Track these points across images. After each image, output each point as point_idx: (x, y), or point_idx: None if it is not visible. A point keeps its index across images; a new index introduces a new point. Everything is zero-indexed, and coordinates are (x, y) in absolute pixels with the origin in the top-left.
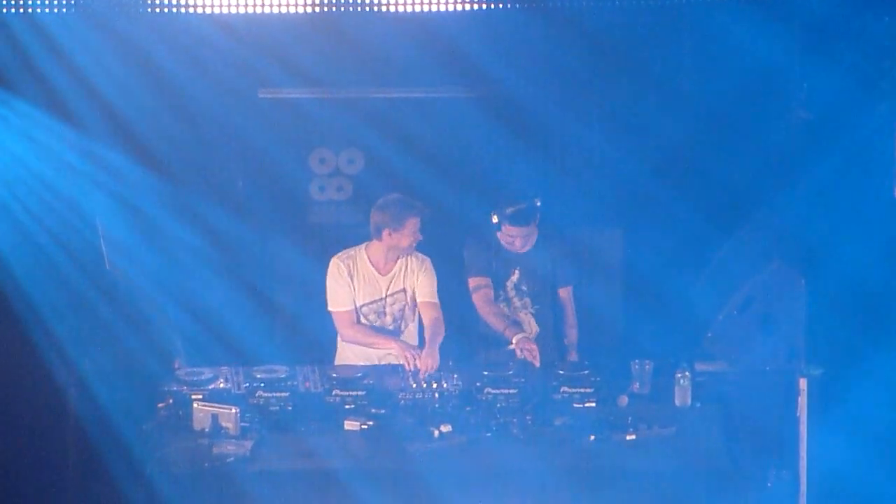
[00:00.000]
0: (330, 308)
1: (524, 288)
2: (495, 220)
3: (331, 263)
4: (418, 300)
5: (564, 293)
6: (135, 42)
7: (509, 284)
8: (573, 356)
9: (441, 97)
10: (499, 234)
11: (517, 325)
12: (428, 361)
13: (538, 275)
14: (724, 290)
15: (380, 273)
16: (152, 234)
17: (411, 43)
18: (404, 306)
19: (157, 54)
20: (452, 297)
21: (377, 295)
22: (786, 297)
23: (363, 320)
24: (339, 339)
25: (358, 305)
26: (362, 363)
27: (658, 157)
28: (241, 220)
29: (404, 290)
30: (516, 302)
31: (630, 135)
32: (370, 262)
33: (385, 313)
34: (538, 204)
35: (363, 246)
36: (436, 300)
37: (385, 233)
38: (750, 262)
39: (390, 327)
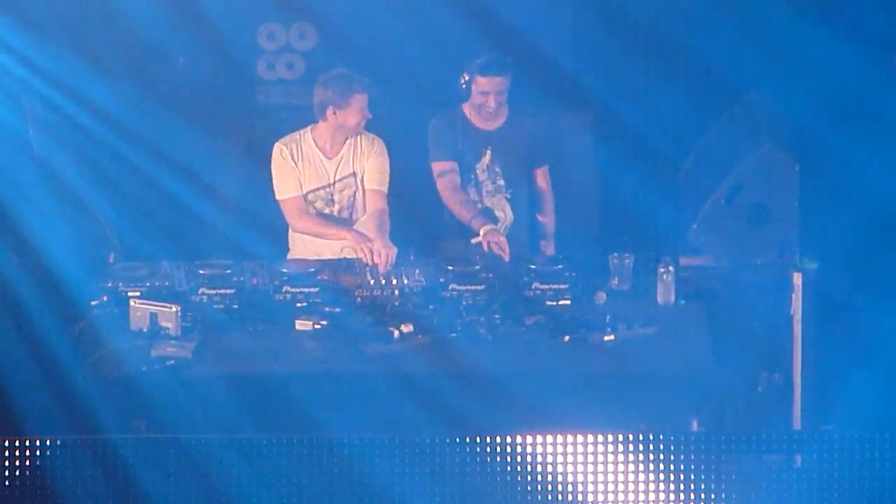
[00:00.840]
0: (277, 196)
1: (497, 170)
2: (465, 79)
3: (274, 149)
4: (365, 187)
5: (541, 175)
6: None
7: (479, 167)
8: (550, 248)
9: None
10: (467, 106)
11: (486, 215)
12: (384, 252)
13: (512, 154)
14: (712, 177)
15: (326, 156)
16: (85, 119)
17: None
18: (354, 192)
19: None
20: (413, 183)
21: (324, 180)
22: (778, 184)
23: (311, 209)
24: (289, 232)
25: (304, 192)
26: (316, 259)
27: (642, 32)
28: (183, 102)
29: (354, 175)
30: (488, 186)
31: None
32: (316, 144)
33: (333, 200)
34: (510, 60)
35: (308, 128)
36: (384, 188)
37: (329, 111)
38: (740, 147)
39: (342, 216)
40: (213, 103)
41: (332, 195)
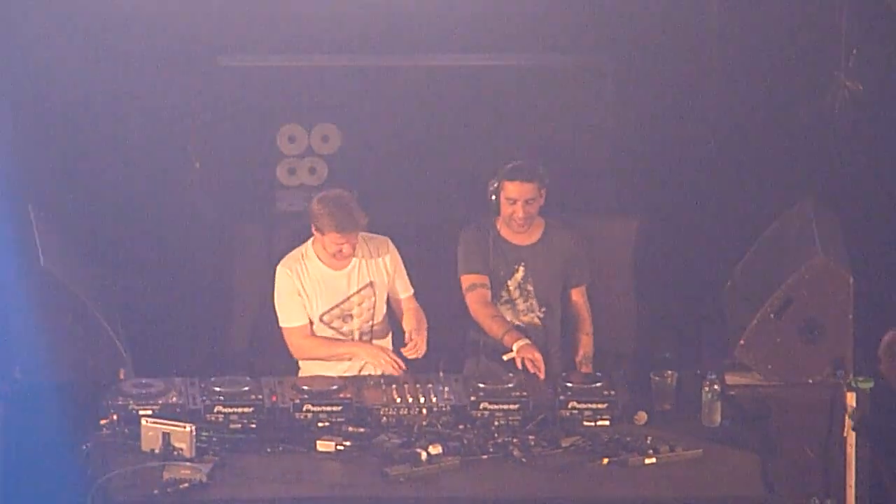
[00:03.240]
0: (281, 324)
1: (529, 288)
2: (493, 186)
3: (277, 272)
4: (399, 296)
5: (577, 294)
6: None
7: (512, 284)
8: (587, 370)
9: (432, 66)
10: (500, 219)
11: (518, 331)
12: (415, 345)
13: (546, 272)
14: (760, 289)
15: (334, 269)
16: (93, 226)
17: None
18: (374, 304)
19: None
20: (441, 298)
21: (338, 297)
22: (831, 297)
23: (327, 331)
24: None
25: (319, 314)
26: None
27: (684, 142)
28: (199, 208)
29: (371, 285)
30: (520, 304)
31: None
32: (320, 259)
33: (352, 316)
34: (542, 169)
35: (309, 242)
36: (411, 291)
37: (314, 227)
38: (788, 257)
39: (363, 330)
40: (230, 211)
41: (349, 311)
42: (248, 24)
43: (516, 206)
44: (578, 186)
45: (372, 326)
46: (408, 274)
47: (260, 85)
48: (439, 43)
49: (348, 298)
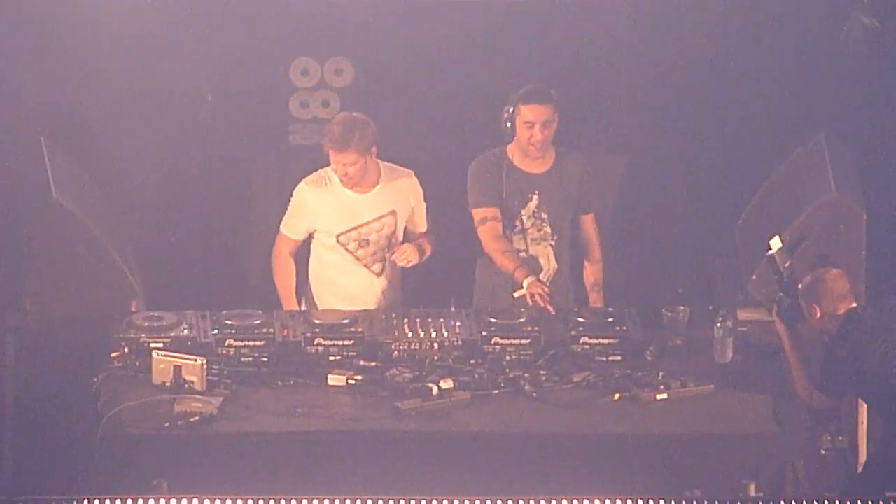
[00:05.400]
0: (281, 228)
1: (543, 216)
2: (508, 111)
3: (296, 189)
4: (418, 230)
5: (587, 222)
6: None
7: (525, 213)
8: (597, 299)
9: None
10: (511, 147)
11: (529, 265)
12: (403, 252)
13: (559, 199)
14: (773, 226)
15: (357, 193)
16: (106, 159)
17: None
18: (393, 232)
19: None
20: (454, 232)
21: (357, 220)
22: (843, 234)
23: (341, 251)
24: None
25: (336, 234)
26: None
27: (697, 79)
28: (211, 142)
29: (394, 213)
30: (533, 233)
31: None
32: (342, 181)
33: (369, 241)
34: (555, 93)
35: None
36: (426, 228)
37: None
38: (803, 193)
39: (375, 257)
40: (243, 143)
41: (367, 236)
42: None
43: (534, 129)
44: (593, 121)
45: (382, 257)
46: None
47: (273, 18)
48: None
49: (368, 223)
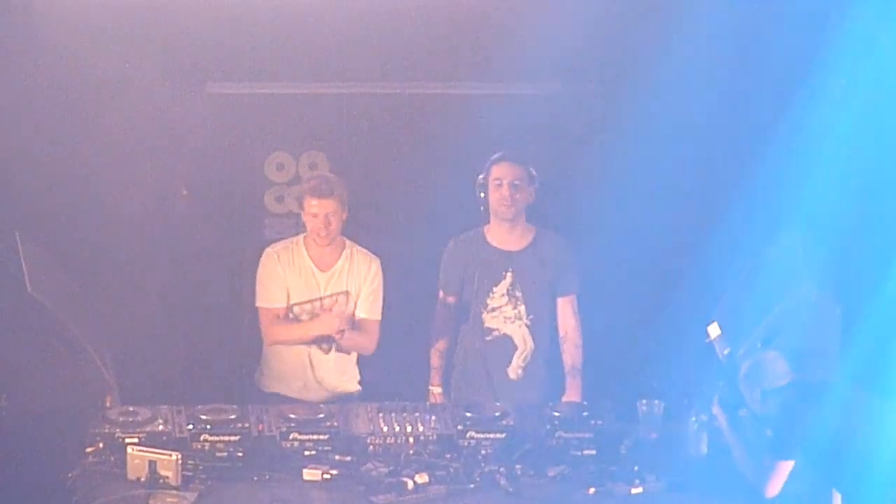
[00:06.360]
0: (258, 303)
1: (518, 294)
2: (481, 179)
3: (264, 254)
4: (358, 315)
5: (565, 303)
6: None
7: (499, 290)
8: (574, 385)
9: (419, 93)
10: (488, 226)
11: (440, 373)
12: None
13: (535, 279)
14: (747, 319)
15: (319, 269)
16: (81, 251)
17: (381, 30)
18: (342, 311)
19: (84, 39)
20: (418, 321)
21: (314, 294)
22: (819, 326)
23: (294, 320)
24: (263, 353)
25: (290, 304)
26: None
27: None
28: (186, 236)
29: (347, 293)
30: (508, 311)
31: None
32: (308, 255)
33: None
34: (532, 168)
35: (301, 237)
36: (378, 317)
37: (303, 201)
38: (778, 287)
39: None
40: (218, 240)
41: (318, 310)
42: (236, 51)
43: (503, 187)
44: (564, 204)
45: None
46: (385, 297)
47: (248, 112)
48: (426, 71)
49: (321, 299)
